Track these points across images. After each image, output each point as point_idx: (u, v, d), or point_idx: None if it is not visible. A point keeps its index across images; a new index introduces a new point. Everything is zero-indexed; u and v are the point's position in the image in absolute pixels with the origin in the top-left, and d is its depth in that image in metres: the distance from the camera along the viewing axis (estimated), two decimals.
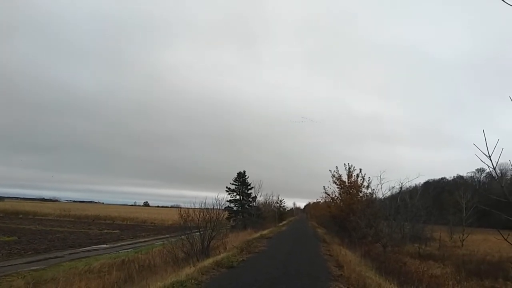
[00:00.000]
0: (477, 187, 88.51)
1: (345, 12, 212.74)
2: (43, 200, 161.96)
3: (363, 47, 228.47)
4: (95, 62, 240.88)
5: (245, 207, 50.91)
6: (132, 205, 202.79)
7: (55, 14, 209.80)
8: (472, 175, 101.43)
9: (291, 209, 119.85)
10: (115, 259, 22.45)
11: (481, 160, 5.05)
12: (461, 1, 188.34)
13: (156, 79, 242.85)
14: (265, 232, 32.39)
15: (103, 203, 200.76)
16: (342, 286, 9.89)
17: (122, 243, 34.21)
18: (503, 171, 67.36)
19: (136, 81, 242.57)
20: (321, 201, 46.61)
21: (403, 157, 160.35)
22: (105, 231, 45.64)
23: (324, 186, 32.97)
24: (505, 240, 5.55)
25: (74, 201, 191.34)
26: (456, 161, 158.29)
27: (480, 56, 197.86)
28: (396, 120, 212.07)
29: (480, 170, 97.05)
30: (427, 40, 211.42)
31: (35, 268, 19.62)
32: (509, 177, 66.21)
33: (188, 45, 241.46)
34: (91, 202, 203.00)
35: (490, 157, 4.97)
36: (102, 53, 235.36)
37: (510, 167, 37.41)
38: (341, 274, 11.67)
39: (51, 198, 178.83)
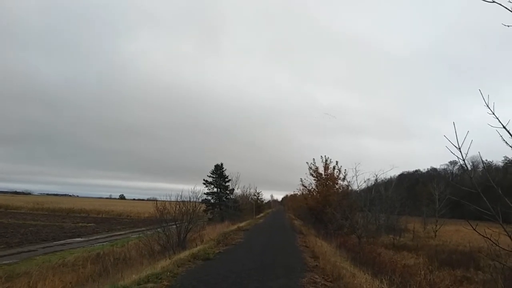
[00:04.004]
0: (450, 179, 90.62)
1: (302, 4, 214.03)
2: (16, 193, 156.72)
3: (322, 39, 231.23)
4: (55, 52, 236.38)
5: (223, 199, 50.95)
6: (107, 198, 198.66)
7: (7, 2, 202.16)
8: (445, 167, 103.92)
9: (269, 201, 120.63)
10: (89, 252, 22.18)
11: (451, 152, 5.17)
12: None
13: (119, 68, 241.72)
14: (242, 224, 32.43)
15: (77, 196, 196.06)
16: (317, 276, 9.97)
17: (97, 236, 33.74)
18: (475, 164, 69.28)
19: (100, 70, 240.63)
20: (298, 193, 46.97)
21: (373, 150, 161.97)
22: (80, 224, 44.78)
23: (301, 178, 33.24)
24: (474, 230, 5.70)
25: (47, 194, 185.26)
26: (430, 153, 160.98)
27: (438, 50, 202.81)
28: (361, 113, 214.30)
29: (453, 163, 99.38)
30: (382, 34, 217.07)
31: (7, 262, 19.21)
32: (480, 169, 68.06)
33: (150, 35, 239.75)
34: (65, 195, 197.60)
35: (460, 148, 5.08)
36: (62, 43, 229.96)
37: (481, 159, 38.51)
38: (317, 265, 11.77)
39: (24, 191, 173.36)
